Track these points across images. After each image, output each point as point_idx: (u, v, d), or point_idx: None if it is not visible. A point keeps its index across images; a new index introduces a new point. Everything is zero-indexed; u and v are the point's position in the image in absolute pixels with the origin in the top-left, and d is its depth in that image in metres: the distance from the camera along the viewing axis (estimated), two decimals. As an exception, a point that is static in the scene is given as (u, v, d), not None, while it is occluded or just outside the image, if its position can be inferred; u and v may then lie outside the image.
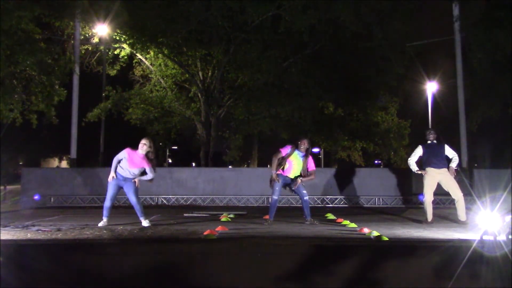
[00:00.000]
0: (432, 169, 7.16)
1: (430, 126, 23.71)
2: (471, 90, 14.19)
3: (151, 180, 6.84)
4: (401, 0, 14.41)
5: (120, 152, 6.66)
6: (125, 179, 6.64)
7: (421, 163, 7.40)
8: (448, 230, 6.24)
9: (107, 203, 6.71)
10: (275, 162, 7.16)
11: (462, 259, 4.22)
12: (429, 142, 7.30)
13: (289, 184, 7.27)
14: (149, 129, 17.90)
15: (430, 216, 7.12)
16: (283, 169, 7.18)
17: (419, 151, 7.34)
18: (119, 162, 6.65)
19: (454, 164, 7.17)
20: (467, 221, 6.87)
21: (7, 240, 4.85)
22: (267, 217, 7.53)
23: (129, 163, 6.58)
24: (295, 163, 7.14)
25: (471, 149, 12.96)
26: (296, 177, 7.16)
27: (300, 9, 13.21)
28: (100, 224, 6.59)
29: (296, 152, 7.13)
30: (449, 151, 7.25)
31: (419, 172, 7.31)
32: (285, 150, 7.18)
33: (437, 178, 7.15)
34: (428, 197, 7.18)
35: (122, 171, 6.63)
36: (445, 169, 7.12)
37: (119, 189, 6.74)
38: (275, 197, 7.20)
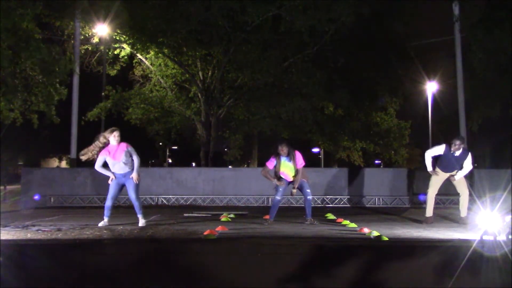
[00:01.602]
0: (442, 172, 7.12)
1: (430, 126, 23.72)
2: (471, 90, 14.20)
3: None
4: (401, 1, 14.42)
5: (96, 161, 6.61)
6: (125, 175, 6.60)
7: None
8: (448, 230, 6.24)
9: (108, 203, 6.71)
10: (267, 175, 7.21)
11: (462, 259, 4.22)
12: (451, 152, 7.00)
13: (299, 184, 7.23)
14: (149, 129, 17.91)
15: (429, 212, 7.06)
16: (279, 179, 7.19)
17: (439, 150, 7.11)
18: (104, 165, 6.61)
19: (459, 174, 7.02)
20: (466, 218, 6.87)
21: (7, 240, 4.85)
22: (267, 217, 7.55)
23: (113, 158, 6.53)
24: (287, 171, 7.15)
25: (471, 149, 12.94)
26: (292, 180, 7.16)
27: (301, 9, 13.22)
28: (100, 224, 6.57)
29: (282, 160, 7.11)
30: (467, 162, 7.04)
31: (430, 170, 7.18)
32: (270, 164, 7.18)
33: (444, 178, 7.12)
34: (431, 192, 7.13)
35: (117, 169, 6.59)
36: (455, 172, 7.06)
37: (121, 187, 6.72)
38: (278, 197, 7.20)
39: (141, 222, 6.67)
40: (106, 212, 6.70)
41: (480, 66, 13.14)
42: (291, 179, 7.18)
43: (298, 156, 7.13)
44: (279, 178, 7.16)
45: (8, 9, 9.57)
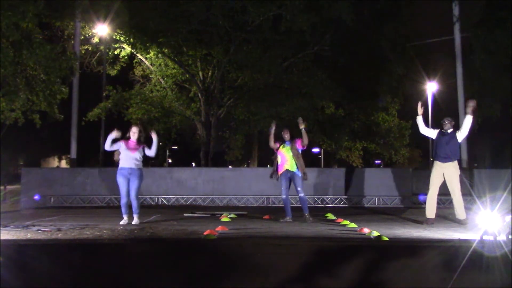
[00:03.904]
0: (438, 162, 7.10)
1: (430, 126, 23.71)
2: (471, 89, 14.19)
3: (153, 155, 7.05)
4: (401, 1, 14.43)
5: (115, 143, 6.90)
6: (131, 171, 6.78)
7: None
8: (448, 230, 6.24)
9: (122, 200, 6.86)
10: (271, 142, 7.64)
11: (462, 259, 4.22)
12: (443, 131, 7.15)
13: (292, 178, 7.42)
14: (149, 129, 17.90)
15: (430, 213, 7.00)
16: (277, 163, 7.46)
17: (432, 133, 7.30)
18: (112, 141, 6.84)
19: (462, 130, 7.02)
20: (465, 220, 6.85)
21: (7, 240, 4.85)
22: (267, 217, 7.65)
23: (128, 150, 6.80)
24: (284, 152, 7.42)
25: (471, 149, 12.97)
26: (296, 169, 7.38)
27: (302, 8, 13.23)
28: (121, 223, 6.73)
29: (283, 144, 7.50)
30: (459, 135, 7.10)
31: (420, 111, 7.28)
32: (276, 145, 7.58)
33: (442, 172, 7.06)
34: (431, 191, 7.07)
35: (126, 162, 6.80)
36: (450, 163, 7.00)
37: (129, 182, 6.84)
38: (283, 196, 7.49)
39: (135, 220, 6.84)
40: (124, 210, 6.85)
41: (482, 66, 13.12)
42: (287, 162, 7.39)
43: (298, 141, 7.53)
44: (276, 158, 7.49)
45: (10, 7, 9.59)
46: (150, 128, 7.10)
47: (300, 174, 7.36)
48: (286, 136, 7.52)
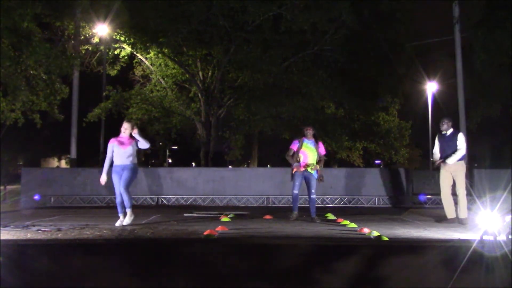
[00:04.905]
0: (443, 164, 7.14)
1: (430, 126, 23.73)
2: (471, 88, 14.20)
3: (147, 147, 6.90)
4: (401, 1, 14.43)
5: (107, 149, 6.80)
6: (123, 168, 6.67)
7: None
8: (448, 230, 6.24)
9: (117, 199, 6.76)
10: (290, 159, 7.41)
11: (462, 259, 4.22)
12: (443, 133, 7.18)
13: (308, 179, 7.39)
14: (149, 129, 17.92)
15: (449, 213, 7.03)
16: (298, 161, 7.35)
17: (436, 142, 7.33)
18: (111, 160, 6.74)
19: (453, 157, 6.96)
20: (466, 219, 6.86)
21: (7, 240, 4.85)
22: (267, 217, 7.63)
23: (120, 146, 6.70)
24: (308, 152, 7.35)
25: (471, 149, 12.95)
26: (315, 165, 7.33)
27: (302, 7, 13.23)
28: (117, 224, 6.62)
29: (305, 142, 7.38)
30: (458, 142, 7.03)
31: (437, 163, 7.23)
32: (294, 146, 7.43)
33: (449, 172, 7.08)
34: (442, 192, 7.13)
35: (118, 160, 6.69)
36: (454, 163, 7.02)
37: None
38: (295, 191, 7.40)
39: (128, 216, 6.73)
40: (119, 209, 6.76)
41: (482, 66, 13.12)
42: (308, 160, 7.32)
43: (321, 145, 7.50)
44: (298, 160, 7.33)
45: (8, 9, 9.59)
46: (133, 126, 6.88)
47: (316, 176, 7.38)
48: (309, 133, 7.38)
